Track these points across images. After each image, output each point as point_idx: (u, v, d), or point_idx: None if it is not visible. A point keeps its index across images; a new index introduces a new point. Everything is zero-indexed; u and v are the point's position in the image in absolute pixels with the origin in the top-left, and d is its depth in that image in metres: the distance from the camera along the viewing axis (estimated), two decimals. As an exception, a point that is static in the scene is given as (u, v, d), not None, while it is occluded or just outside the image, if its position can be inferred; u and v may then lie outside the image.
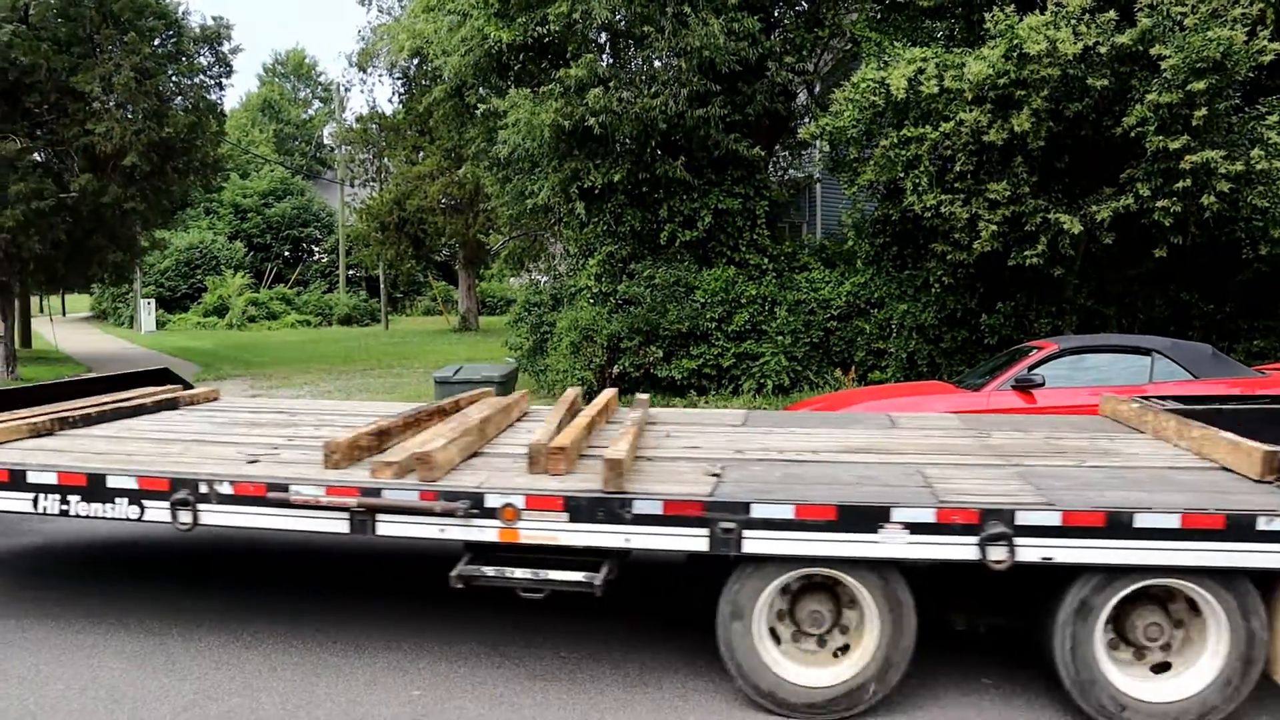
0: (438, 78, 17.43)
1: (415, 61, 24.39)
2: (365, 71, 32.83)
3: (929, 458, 5.39)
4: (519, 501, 4.56)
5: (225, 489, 4.92)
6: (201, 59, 20.60)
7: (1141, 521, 4.16)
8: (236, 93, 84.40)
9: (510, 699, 4.65)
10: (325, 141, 56.96)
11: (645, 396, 7.24)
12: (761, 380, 14.23)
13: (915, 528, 4.26)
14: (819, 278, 14.91)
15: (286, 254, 50.30)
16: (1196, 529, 4.13)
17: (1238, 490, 4.54)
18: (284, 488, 4.83)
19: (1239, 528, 4.12)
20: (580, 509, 4.51)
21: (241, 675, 4.98)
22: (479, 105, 15.28)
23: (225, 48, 20.80)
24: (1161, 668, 4.44)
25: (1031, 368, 8.82)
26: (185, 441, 6.05)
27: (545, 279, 20.17)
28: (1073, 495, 4.45)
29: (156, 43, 19.57)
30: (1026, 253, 11.71)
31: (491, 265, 34.41)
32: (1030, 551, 4.21)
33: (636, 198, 15.24)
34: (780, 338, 14.28)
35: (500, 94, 14.75)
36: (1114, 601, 4.32)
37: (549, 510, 4.54)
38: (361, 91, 67.15)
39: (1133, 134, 10.86)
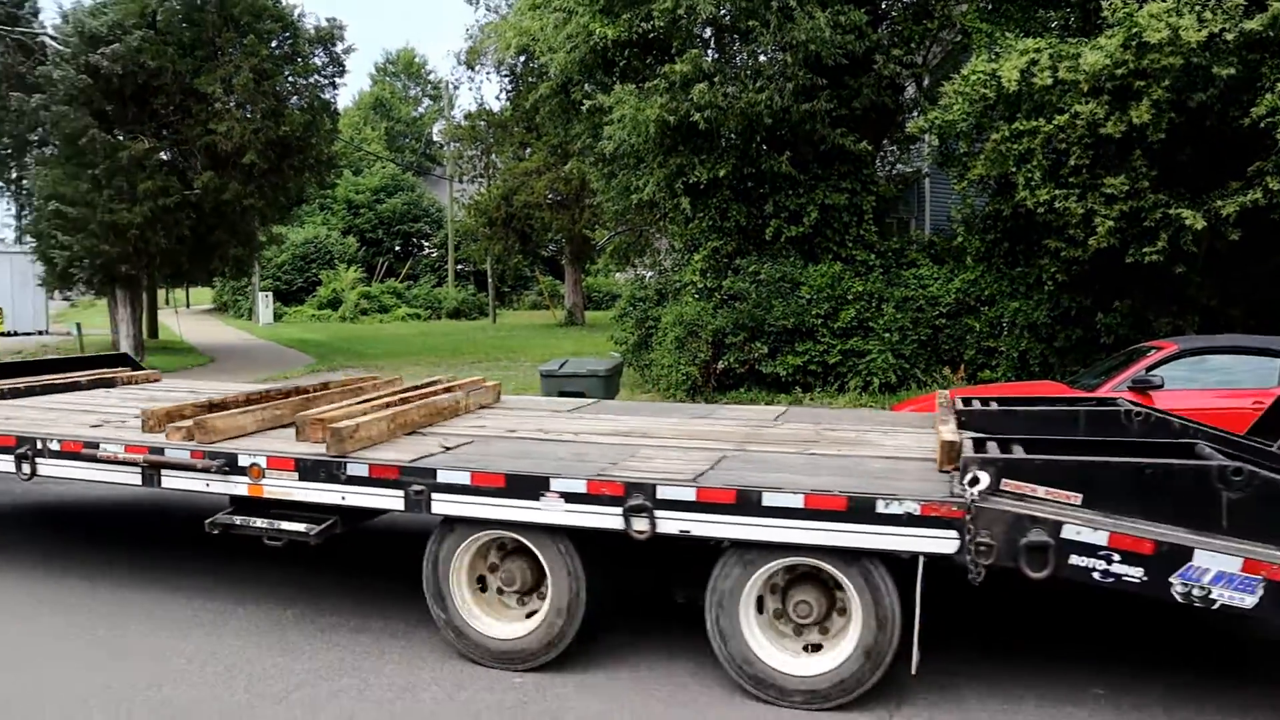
0: (544, 74, 17.58)
1: (522, 59, 24.66)
2: (473, 69, 33.30)
3: (671, 441, 5.78)
4: (262, 461, 5.31)
5: (54, 446, 5.91)
6: (316, 59, 21.19)
7: (769, 500, 4.38)
8: (349, 92, 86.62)
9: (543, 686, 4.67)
10: (435, 138, 57.95)
11: (494, 383, 7.89)
12: (868, 378, 14.04)
13: (570, 497, 4.66)
14: (927, 274, 14.62)
15: (397, 249, 51.46)
16: (819, 509, 4.32)
17: (916, 478, 4.67)
18: (95, 445, 5.76)
19: (859, 510, 4.27)
20: (307, 469, 5.20)
21: (351, 657, 5.13)
22: (584, 101, 15.37)
23: (338, 48, 21.35)
24: (814, 645, 4.65)
25: (1150, 368, 8.52)
26: (75, 411, 7.07)
27: (650, 274, 20.21)
28: (731, 475, 4.72)
29: (274, 44, 20.19)
30: (1145, 249, 11.29)
31: (597, 260, 34.66)
32: (670, 524, 4.53)
33: (742, 193, 15.17)
34: (887, 335, 14.06)
35: (605, 90, 14.81)
36: (759, 577, 4.56)
37: (284, 470, 5.26)
38: (470, 89, 68.49)
39: (1262, 125, 10.36)
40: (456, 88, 47.00)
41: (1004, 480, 4.30)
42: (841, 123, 14.51)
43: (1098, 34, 11.16)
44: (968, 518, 4.14)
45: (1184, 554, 4.00)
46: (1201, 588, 3.99)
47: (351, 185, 50.45)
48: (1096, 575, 4.09)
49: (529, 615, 5.04)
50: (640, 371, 16.27)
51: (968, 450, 4.55)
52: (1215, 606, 4.00)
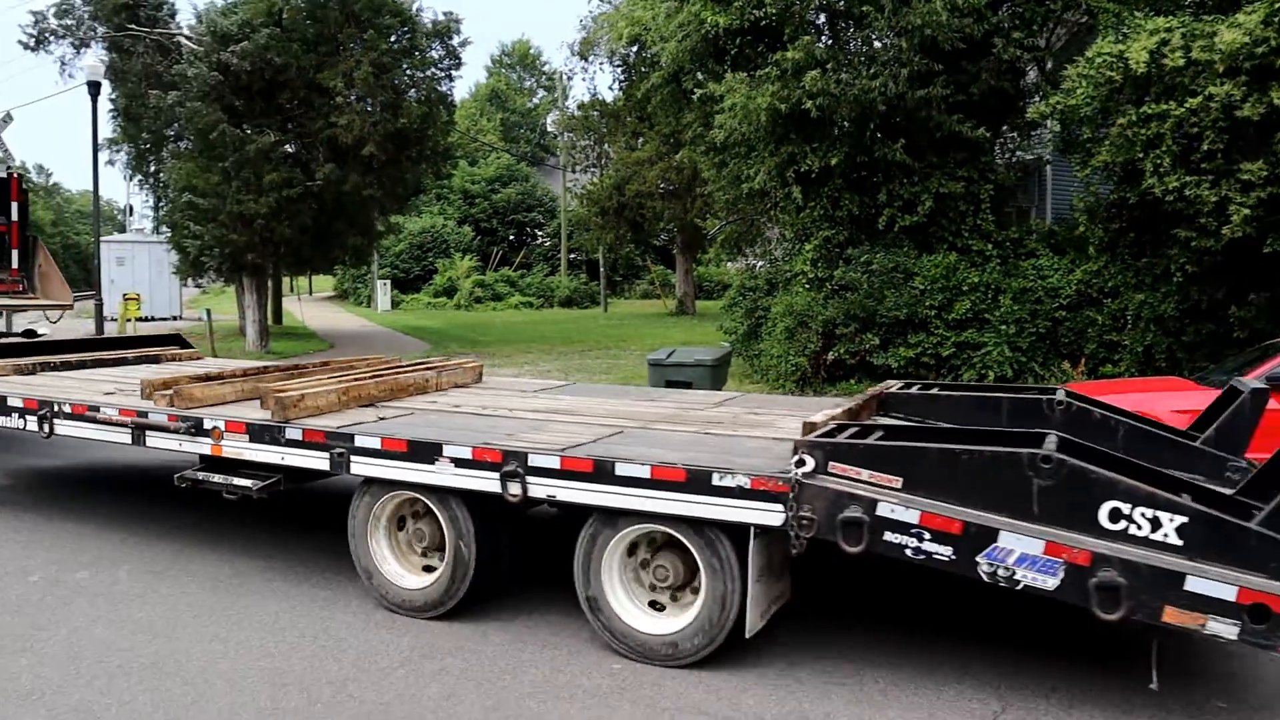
0: (655, 64, 17.58)
1: (634, 49, 24.71)
2: (587, 60, 33.53)
3: (592, 419, 6.22)
4: (221, 425, 6.10)
5: (66, 409, 6.95)
6: (433, 53, 21.58)
7: (621, 470, 4.80)
8: (465, 84, 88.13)
9: (710, 682, 4.66)
10: (549, 129, 58.54)
11: (475, 364, 8.49)
12: (983, 371, 13.67)
13: (458, 462, 5.20)
14: (1047, 265, 14.15)
15: (511, 238, 52.20)
16: (663, 480, 4.70)
17: (772, 456, 4.96)
18: (96, 408, 6.78)
19: (697, 482, 4.62)
20: (255, 432, 5.96)
21: (455, 638, 5.24)
22: (696, 90, 15.32)
23: (455, 41, 21.71)
24: (659, 605, 5.04)
25: (1287, 364, 8.06)
26: (99, 381, 8.20)
27: (761, 264, 20.07)
28: (600, 448, 5.15)
29: (393, 39, 20.64)
30: (1286, 239, 10.74)
31: (708, 249, 34.55)
32: (540, 489, 5.02)
33: (854, 181, 14.93)
34: (1004, 327, 13.66)
35: (717, 79, 14.73)
36: (619, 541, 4.98)
37: (238, 433, 6.04)
38: (583, 79, 68.98)
39: None
40: (570, 78, 47.27)
41: (831, 463, 4.56)
42: (958, 109, 14.13)
43: (1236, 11, 10.61)
44: (791, 494, 4.45)
45: (990, 535, 4.20)
46: (1006, 568, 4.18)
47: (467, 176, 51.32)
48: (909, 552, 4.33)
49: (427, 570, 5.65)
50: (749, 362, 16.18)
51: (823, 434, 4.76)
52: (1019, 587, 4.17)
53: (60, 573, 6.41)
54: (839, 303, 14.23)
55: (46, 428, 7.03)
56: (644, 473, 4.75)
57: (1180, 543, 4.06)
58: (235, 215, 19.71)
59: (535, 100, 71.70)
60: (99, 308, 21.83)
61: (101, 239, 25.52)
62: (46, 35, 22.07)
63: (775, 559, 4.83)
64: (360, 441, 5.56)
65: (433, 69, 21.85)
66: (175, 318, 35.11)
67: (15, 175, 13.41)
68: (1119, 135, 11.34)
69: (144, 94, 20.74)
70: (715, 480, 4.60)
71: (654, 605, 5.05)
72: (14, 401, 7.28)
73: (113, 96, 23.05)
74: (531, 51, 74.39)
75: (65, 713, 4.41)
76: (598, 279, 43.62)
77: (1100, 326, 13.45)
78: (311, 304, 45.35)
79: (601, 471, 4.86)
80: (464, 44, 22.02)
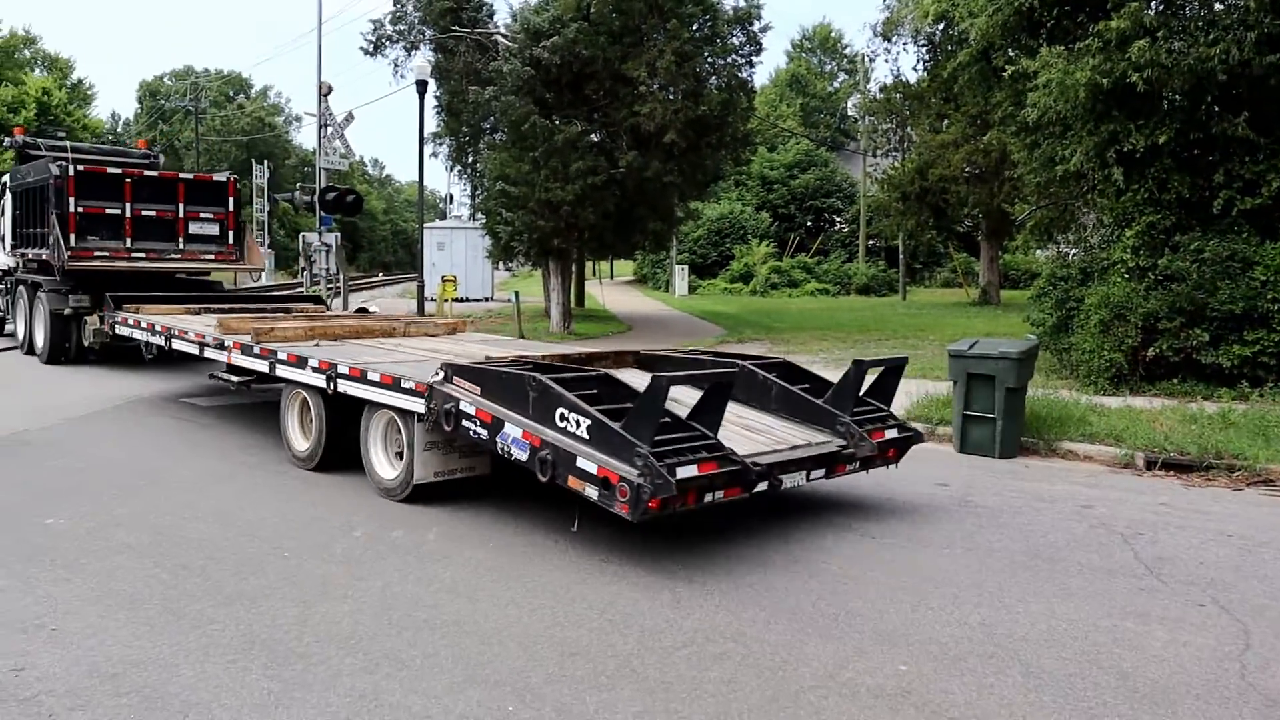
0: (963, 41, 16.82)
1: (940, 26, 23.79)
2: (889, 40, 32.62)
3: (433, 355, 9.04)
4: (230, 344, 10.14)
5: (176, 336, 11.62)
6: (734, 39, 21.67)
7: (370, 377, 7.86)
8: (765, 69, 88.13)
9: (1000, 692, 4.38)
10: (849, 113, 57.58)
11: (449, 321, 13.25)
12: (1336, 372, 12.12)
13: (314, 370, 8.60)
14: None
15: (809, 224, 51.85)
16: (385, 383, 7.67)
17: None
18: (179, 332, 11.51)
19: (396, 385, 7.52)
20: (246, 349, 9.81)
21: (738, 623, 5.22)
22: (1006, 67, 14.51)
23: (755, 27, 21.70)
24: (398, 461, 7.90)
25: None
26: (284, 332, 10.99)
27: (1074, 251, 18.80)
28: (384, 367, 8.01)
29: (694, 27, 20.91)
30: None
31: (1016, 236, 32.79)
32: (342, 386, 8.20)
33: (1185, 161, 13.63)
34: (1363, 323, 12.04)
35: (1030, 54, 13.87)
36: (378, 419, 8.02)
37: (238, 350, 9.96)
38: (886, 61, 67.61)
39: None
40: (872, 60, 46.22)
41: (455, 377, 7.17)
42: (1316, 76, 12.57)
43: None
44: (428, 393, 7.17)
45: (500, 424, 6.58)
46: (506, 446, 6.51)
47: (766, 161, 51.43)
48: (473, 434, 6.83)
49: (306, 437, 9.06)
50: (1058, 356, 15.16)
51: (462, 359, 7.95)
52: (512, 458, 6.48)
53: (379, 530, 6.95)
54: (1163, 294, 13.04)
55: (155, 348, 12.43)
56: (377, 379, 7.79)
57: (587, 436, 6.06)
58: (543, 202, 20.69)
59: (835, 84, 70.76)
60: (420, 288, 23.63)
61: (424, 225, 27.56)
62: (383, 41, 24.06)
63: (440, 439, 7.47)
64: (280, 356, 9.20)
65: (733, 56, 21.97)
66: (487, 299, 37.44)
67: (231, 179, 18.44)
68: None
69: (464, 90, 22.17)
70: (402, 384, 7.51)
71: (397, 457, 7.92)
72: (159, 328, 12.13)
73: (437, 94, 24.84)
74: (832, 34, 73.40)
75: (379, 658, 4.76)
76: (896, 266, 42.50)
77: None
78: (612, 288, 47.03)
79: (362, 377, 7.95)
80: (764, 29, 21.97)
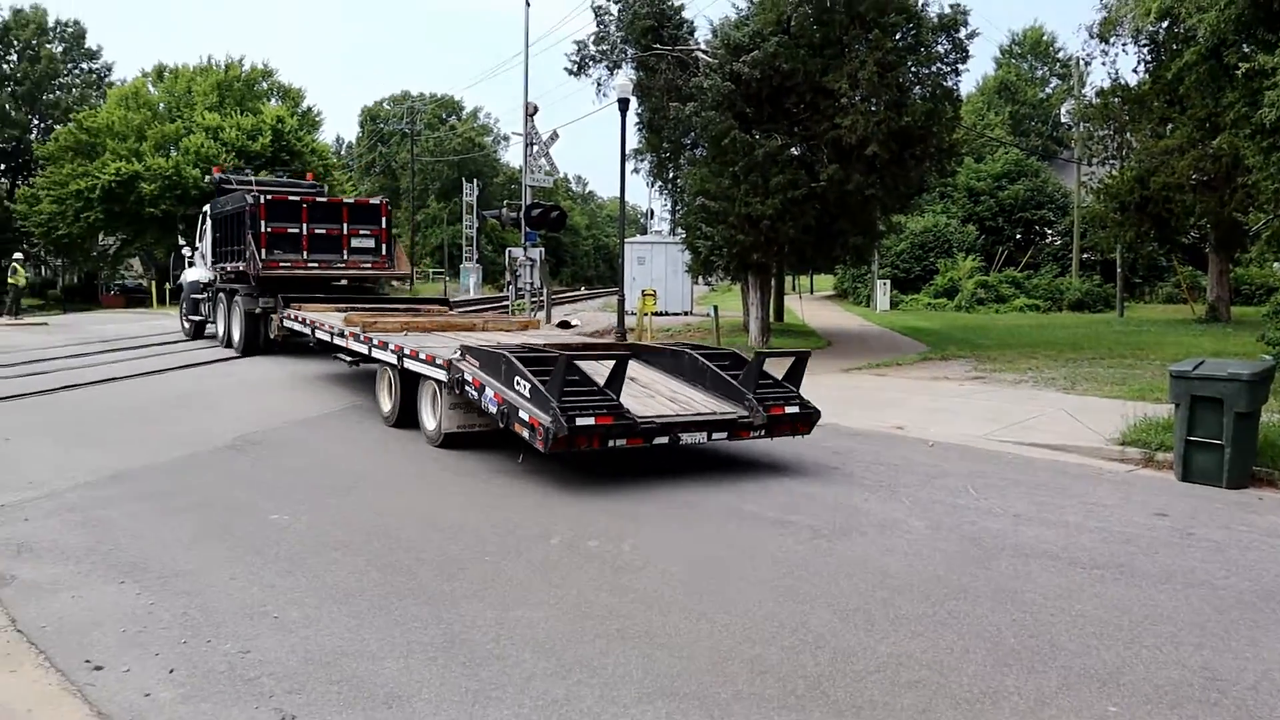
0: (1189, 39, 15.82)
1: (1164, 24, 22.40)
2: (1107, 42, 30.82)
3: (480, 343, 11.24)
4: (348, 332, 13.37)
5: (320, 328, 15.01)
6: (938, 48, 21.05)
7: (422, 355, 10.82)
8: (972, 77, 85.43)
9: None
10: (1062, 119, 55.09)
11: (522, 319, 17.02)
12: None
13: (393, 352, 11.64)
14: None
15: (1018, 237, 49.81)
16: (427, 360, 10.62)
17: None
18: (316, 324, 15.27)
19: (434, 362, 10.44)
20: (356, 337, 13.02)
21: (934, 650, 5.06)
22: (1240, 65, 13.53)
23: (961, 34, 21.00)
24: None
25: None
26: (386, 326, 13.91)
27: (1316, 263, 17.29)
28: (432, 352, 10.76)
29: (897, 37, 20.46)
30: None
31: (1249, 248, 30.44)
32: (407, 364, 11.18)
33: None
34: None
35: (1268, 49, 12.91)
36: (425, 386, 10.98)
37: (351, 338, 13.20)
38: (1103, 63, 64.25)
39: None
40: (1088, 63, 43.96)
41: (466, 355, 10.00)
42: None
43: None
44: (448, 367, 9.97)
45: (484, 388, 9.31)
46: (487, 405, 9.19)
47: (972, 172, 49.78)
48: (471, 396, 9.60)
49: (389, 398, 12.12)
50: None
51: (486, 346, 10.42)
52: (487, 411, 9.26)
53: (575, 539, 7.11)
54: None
55: (312, 334, 15.54)
56: (423, 358, 10.73)
57: (528, 396, 8.68)
58: (743, 216, 20.68)
59: (1048, 90, 67.84)
60: (620, 302, 24.04)
61: (625, 240, 28.08)
62: (586, 61, 24.67)
63: (464, 401, 10.01)
64: (376, 341, 12.37)
65: (938, 64, 21.33)
66: (686, 313, 37.72)
67: (384, 202, 22.41)
68: None
69: (665, 107, 22.45)
70: (436, 361, 10.36)
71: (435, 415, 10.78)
72: (309, 321, 15.75)
73: (638, 111, 25.24)
74: (1045, 38, 70.44)
75: (572, 664, 4.86)
76: (1113, 281, 40.21)
77: None
78: (811, 302, 46.56)
79: (416, 357, 10.92)
80: (971, 36, 21.24)
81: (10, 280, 36.25)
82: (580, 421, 8.29)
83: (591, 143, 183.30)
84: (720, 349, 11.66)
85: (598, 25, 24.61)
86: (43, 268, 68.34)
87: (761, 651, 5.03)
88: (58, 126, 52.51)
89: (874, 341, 26.65)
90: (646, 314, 23.18)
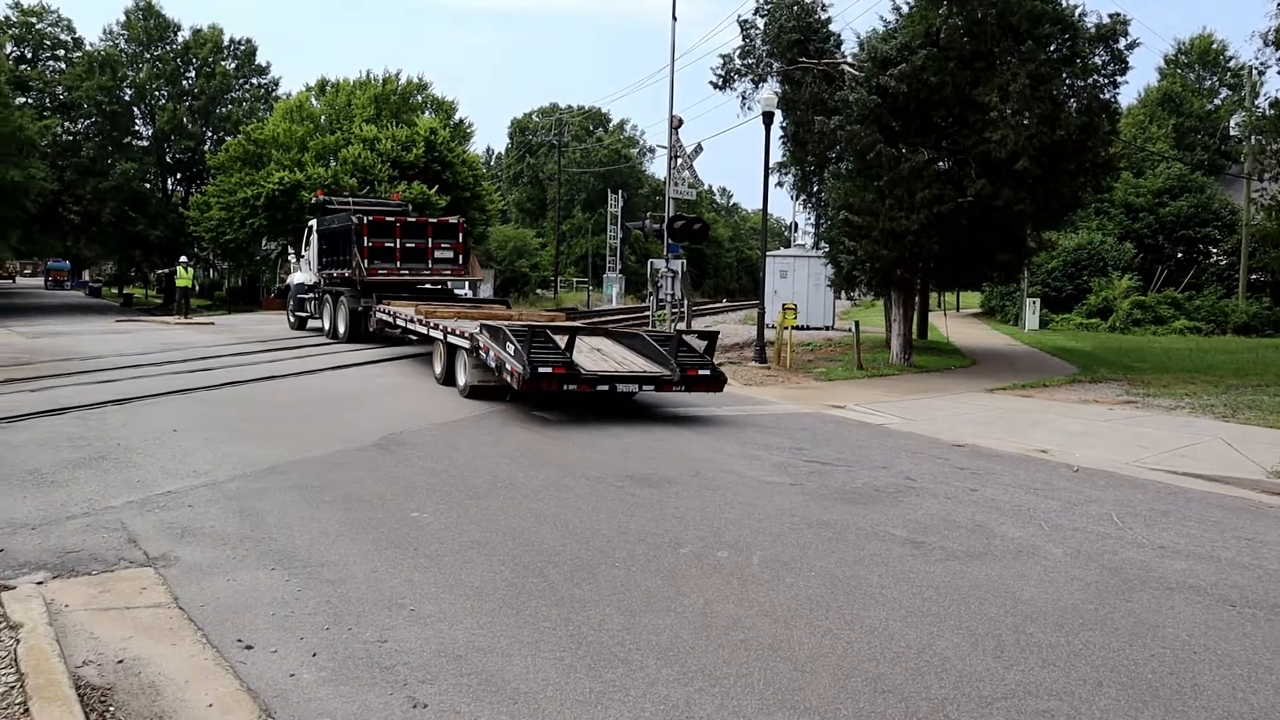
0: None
1: (1349, 31, 21.11)
2: (1283, 50, 29.31)
3: (509, 324, 15.22)
4: (415, 318, 19.07)
5: (400, 318, 20.37)
6: (1095, 59, 20.32)
7: (456, 331, 15.92)
8: (1131, 88, 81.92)
9: None
10: (1231, 132, 52.36)
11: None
12: None
13: (444, 331, 16.64)
14: None
15: (1179, 255, 47.52)
16: (454, 332, 15.96)
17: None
18: (396, 313, 20.66)
19: (460, 332, 15.71)
20: (420, 322, 18.63)
21: (1065, 681, 4.96)
22: None
23: (1120, 45, 20.24)
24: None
25: None
26: (443, 313, 19.10)
27: None
28: (466, 329, 15.69)
29: (1051, 48, 19.87)
30: None
31: None
32: (451, 339, 16.09)
33: None
34: None
35: None
36: (460, 353, 15.62)
37: (417, 322, 18.85)
38: (1277, 72, 60.28)
39: None
40: (1261, 73, 41.55)
41: (483, 329, 14.60)
42: None
43: None
44: (469, 338, 14.89)
45: (489, 350, 14.02)
46: (489, 360, 14.12)
47: (1131, 188, 47.77)
48: (481, 356, 14.28)
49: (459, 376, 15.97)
50: None
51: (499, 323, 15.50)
52: (492, 365, 13.95)
53: (705, 549, 7.17)
54: None
55: (393, 321, 20.74)
56: (457, 332, 15.59)
57: (513, 353, 13.29)
58: (887, 231, 20.41)
59: (1216, 101, 64.59)
60: (760, 315, 23.98)
61: (768, 253, 28.01)
62: (731, 75, 24.74)
63: (481, 363, 14.31)
64: (433, 323, 17.27)
65: (1094, 76, 20.60)
66: (828, 328, 37.33)
67: (461, 221, 26.75)
68: None
69: (810, 120, 22.32)
70: (458, 332, 15.53)
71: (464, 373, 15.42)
72: (393, 313, 20.72)
73: (783, 124, 25.17)
74: (1214, 46, 67.15)
75: (694, 672, 4.93)
76: (1285, 303, 38.01)
77: None
78: (956, 320, 45.47)
79: (453, 332, 15.86)
80: (1131, 46, 20.42)
81: (178, 283, 39.82)
82: (541, 370, 12.78)
83: (736, 155, 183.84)
84: (665, 333, 16.72)
85: (743, 39, 24.68)
86: (210, 270, 72.33)
87: (886, 670, 4.99)
88: (228, 138, 55.44)
89: (1021, 361, 25.88)
90: (787, 328, 23.04)
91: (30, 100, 57.42)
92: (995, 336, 36.94)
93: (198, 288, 56.37)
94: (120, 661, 4.93)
